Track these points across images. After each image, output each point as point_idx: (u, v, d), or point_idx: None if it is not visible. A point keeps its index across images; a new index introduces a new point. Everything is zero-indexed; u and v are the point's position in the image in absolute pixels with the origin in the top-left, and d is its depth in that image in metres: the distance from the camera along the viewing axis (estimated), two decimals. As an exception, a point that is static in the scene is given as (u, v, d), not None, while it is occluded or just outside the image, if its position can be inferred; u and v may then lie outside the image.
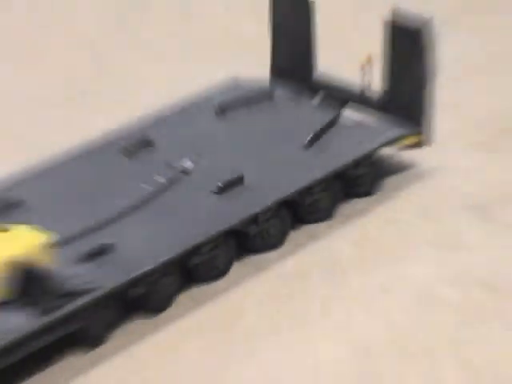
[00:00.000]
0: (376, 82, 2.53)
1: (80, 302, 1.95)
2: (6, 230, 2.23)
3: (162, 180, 2.13)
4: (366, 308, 2.61)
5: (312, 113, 2.35)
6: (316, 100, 2.38)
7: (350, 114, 2.51)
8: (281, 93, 2.36)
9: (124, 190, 2.31)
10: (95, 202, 2.26)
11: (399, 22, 2.27)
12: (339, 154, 2.25)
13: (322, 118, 2.30)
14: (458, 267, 2.69)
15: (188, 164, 2.09)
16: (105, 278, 2.00)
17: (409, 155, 2.64)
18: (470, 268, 2.69)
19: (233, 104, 2.50)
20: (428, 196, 2.66)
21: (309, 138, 2.20)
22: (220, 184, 2.05)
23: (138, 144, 2.32)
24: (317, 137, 2.23)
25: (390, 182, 2.62)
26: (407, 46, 2.38)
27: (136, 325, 2.23)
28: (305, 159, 2.20)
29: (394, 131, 2.29)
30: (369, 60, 2.38)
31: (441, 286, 2.53)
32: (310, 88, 2.49)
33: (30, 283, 2.05)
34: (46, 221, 2.22)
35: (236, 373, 2.61)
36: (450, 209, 2.71)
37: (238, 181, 2.10)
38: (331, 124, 2.33)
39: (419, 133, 2.30)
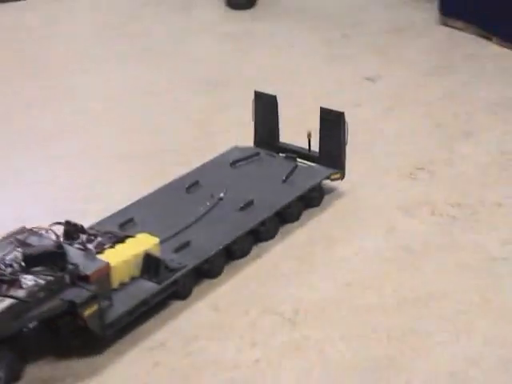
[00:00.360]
0: (315, 145, 3.57)
1: (178, 274, 2.80)
2: (132, 236, 2.90)
3: (209, 204, 3.24)
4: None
5: (282, 163, 3.62)
6: (282, 156, 3.65)
7: (302, 164, 3.51)
8: (263, 153, 3.65)
9: (190, 210, 3.22)
10: (176, 218, 3.18)
11: (326, 109, 3.53)
12: (302, 184, 3.54)
13: (288, 165, 3.54)
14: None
15: (221, 195, 3.37)
16: (188, 261, 2.88)
17: (336, 184, 3.56)
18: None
19: (239, 159, 3.77)
20: (353, 203, 3.29)
21: (284, 177, 3.50)
22: (241, 205, 3.11)
23: (193, 184, 3.36)
24: (288, 176, 3.53)
25: (327, 198, 3.51)
26: (332, 124, 3.72)
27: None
28: (284, 188, 3.51)
29: (329, 170, 3.51)
30: (309, 134, 3.60)
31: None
32: (278, 150, 3.77)
33: (150, 265, 2.77)
34: (149, 230, 3.01)
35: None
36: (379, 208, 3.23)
37: (250, 202, 3.40)
38: (294, 169, 3.63)
39: (340, 172, 3.50)
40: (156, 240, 2.83)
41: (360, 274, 2.72)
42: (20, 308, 2.38)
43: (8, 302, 2.36)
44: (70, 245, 2.69)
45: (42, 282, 2.44)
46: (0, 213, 3.15)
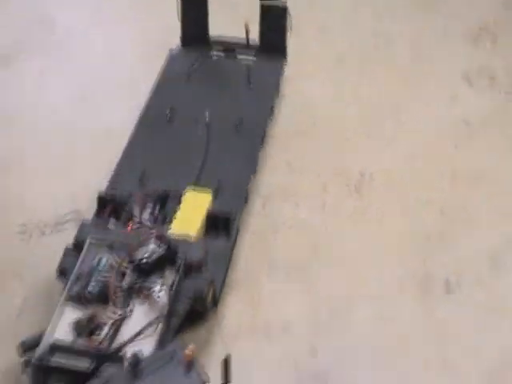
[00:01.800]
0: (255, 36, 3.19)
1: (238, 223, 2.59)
2: (181, 195, 2.67)
3: (202, 130, 2.94)
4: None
5: (231, 64, 3.33)
6: (222, 55, 3.27)
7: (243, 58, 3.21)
8: (204, 55, 3.32)
9: (189, 143, 2.94)
10: (183, 156, 2.87)
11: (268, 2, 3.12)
12: (269, 83, 3.23)
13: (238, 65, 3.30)
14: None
15: (207, 119, 2.98)
16: (235, 202, 2.70)
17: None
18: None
19: (191, 69, 3.27)
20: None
21: (247, 81, 3.19)
22: (236, 124, 2.94)
23: (169, 112, 3.02)
24: (249, 79, 3.19)
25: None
26: (275, 17, 3.14)
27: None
28: (257, 93, 3.12)
29: (279, 61, 3.25)
30: (247, 25, 3.15)
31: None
32: (210, 45, 3.32)
33: (217, 223, 2.57)
34: (168, 177, 2.78)
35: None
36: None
37: (241, 121, 3.00)
38: (248, 67, 3.27)
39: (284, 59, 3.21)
40: (209, 195, 2.65)
41: (421, 148, 2.92)
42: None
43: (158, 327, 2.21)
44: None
45: (169, 288, 2.30)
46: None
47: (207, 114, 2.98)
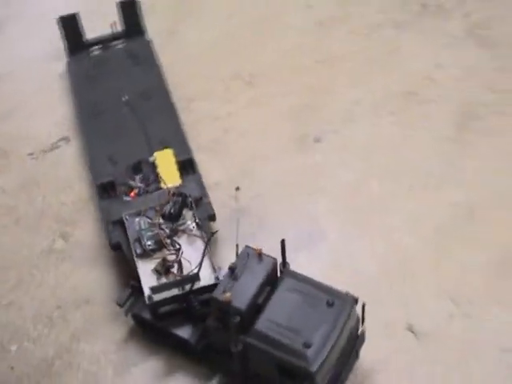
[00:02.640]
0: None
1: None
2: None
3: (129, 110, 3.45)
4: None
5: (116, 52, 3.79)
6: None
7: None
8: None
9: (127, 123, 3.40)
10: (128, 138, 3.31)
11: None
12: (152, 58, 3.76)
13: (123, 53, 3.77)
14: None
15: (126, 97, 3.48)
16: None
17: None
18: None
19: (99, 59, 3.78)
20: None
21: (134, 63, 3.70)
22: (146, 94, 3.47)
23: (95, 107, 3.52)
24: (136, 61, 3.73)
25: None
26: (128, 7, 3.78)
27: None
28: (146, 69, 3.67)
29: (143, 40, 3.83)
30: (114, 23, 3.73)
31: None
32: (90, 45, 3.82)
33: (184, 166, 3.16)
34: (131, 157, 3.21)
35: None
36: None
37: (147, 94, 3.48)
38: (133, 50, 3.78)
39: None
40: (170, 150, 3.21)
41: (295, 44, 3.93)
42: None
43: None
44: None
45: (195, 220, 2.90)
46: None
47: (124, 96, 3.52)
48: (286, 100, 3.68)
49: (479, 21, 4.02)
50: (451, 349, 2.74)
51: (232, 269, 2.56)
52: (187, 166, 3.21)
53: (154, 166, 3.20)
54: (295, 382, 2.45)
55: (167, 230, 2.89)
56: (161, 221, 2.92)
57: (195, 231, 2.89)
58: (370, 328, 2.65)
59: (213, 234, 2.87)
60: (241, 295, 2.51)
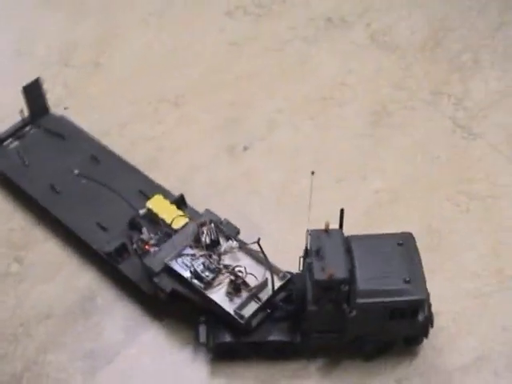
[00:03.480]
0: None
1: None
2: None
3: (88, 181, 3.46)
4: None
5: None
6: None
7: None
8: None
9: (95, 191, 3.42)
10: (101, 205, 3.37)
11: None
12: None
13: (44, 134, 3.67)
14: None
15: (76, 171, 3.49)
16: None
17: None
18: None
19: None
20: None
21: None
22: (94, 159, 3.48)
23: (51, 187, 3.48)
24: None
25: None
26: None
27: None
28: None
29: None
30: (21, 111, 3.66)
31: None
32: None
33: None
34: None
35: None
36: None
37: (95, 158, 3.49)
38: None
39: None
40: (159, 195, 3.31)
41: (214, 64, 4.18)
42: None
43: None
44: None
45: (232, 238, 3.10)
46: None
47: (73, 170, 3.50)
48: (212, 116, 3.93)
49: (379, 28, 4.37)
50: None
51: (317, 250, 2.75)
52: (180, 203, 3.33)
53: (150, 215, 3.27)
54: (405, 321, 2.78)
55: (215, 257, 3.05)
56: (204, 252, 3.07)
57: (237, 246, 3.07)
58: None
59: (258, 241, 2.99)
60: (336, 267, 2.73)
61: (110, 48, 4.41)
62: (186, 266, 3.05)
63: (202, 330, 2.98)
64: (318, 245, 2.79)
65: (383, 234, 2.84)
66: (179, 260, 3.07)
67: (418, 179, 3.41)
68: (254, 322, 2.92)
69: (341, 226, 2.88)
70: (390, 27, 4.39)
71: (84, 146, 3.65)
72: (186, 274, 3.03)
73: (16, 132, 3.76)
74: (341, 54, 4.25)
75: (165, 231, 3.20)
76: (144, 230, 3.22)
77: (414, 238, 2.82)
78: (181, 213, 3.24)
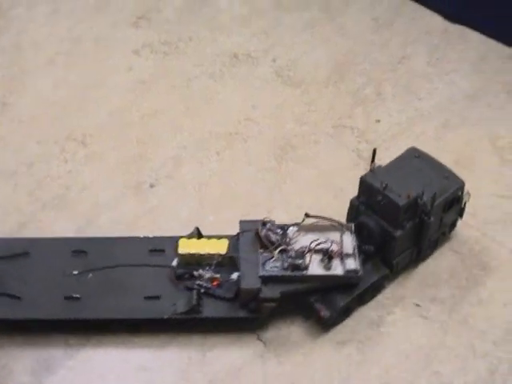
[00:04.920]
0: None
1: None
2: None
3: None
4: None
5: None
6: None
7: None
8: None
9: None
10: None
11: None
12: None
13: None
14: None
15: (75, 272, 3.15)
16: None
17: None
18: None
19: None
20: None
21: None
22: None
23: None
24: None
25: None
26: None
27: None
28: None
29: None
30: None
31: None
32: None
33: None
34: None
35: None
36: None
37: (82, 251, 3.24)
38: None
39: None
40: (183, 239, 3.25)
41: (121, 103, 4.22)
42: None
43: None
44: None
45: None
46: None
47: (72, 272, 3.20)
48: (118, 154, 3.96)
49: (284, 64, 4.46)
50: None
51: (383, 186, 3.10)
52: (199, 234, 3.31)
53: (187, 260, 3.20)
54: (454, 208, 3.29)
55: (289, 247, 3.14)
56: (278, 249, 3.13)
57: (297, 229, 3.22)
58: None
59: (307, 215, 3.22)
60: (406, 189, 3.10)
61: (17, 88, 4.38)
62: (277, 267, 3.07)
63: (320, 306, 3.09)
64: (382, 181, 3.11)
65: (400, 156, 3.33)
66: (267, 268, 3.07)
67: (322, 211, 3.45)
68: (361, 273, 3.08)
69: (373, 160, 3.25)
70: (294, 62, 4.48)
71: (59, 249, 3.29)
72: (286, 272, 3.04)
73: None
74: (246, 89, 4.32)
75: (215, 262, 3.17)
76: (200, 271, 3.13)
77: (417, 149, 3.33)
78: (217, 240, 3.24)
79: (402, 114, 4.15)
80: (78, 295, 3.11)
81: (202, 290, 3.09)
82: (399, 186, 3.06)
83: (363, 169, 3.68)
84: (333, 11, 4.88)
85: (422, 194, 3.07)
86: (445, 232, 3.38)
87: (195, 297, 3.06)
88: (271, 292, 3.01)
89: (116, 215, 3.65)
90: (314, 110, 4.16)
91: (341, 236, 3.14)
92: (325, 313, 3.09)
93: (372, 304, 3.30)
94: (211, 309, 3.06)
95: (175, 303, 3.06)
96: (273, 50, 4.57)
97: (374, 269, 3.17)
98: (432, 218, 3.12)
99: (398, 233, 3.09)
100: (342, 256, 3.08)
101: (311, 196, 3.60)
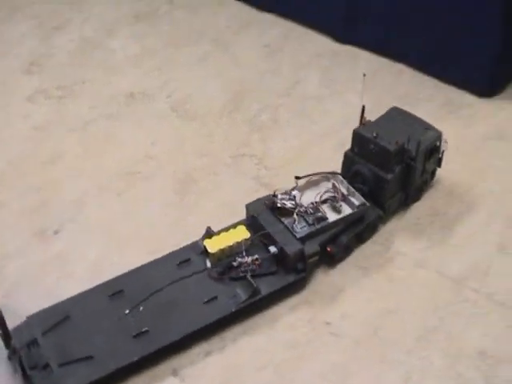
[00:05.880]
0: None
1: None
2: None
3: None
4: None
5: None
6: None
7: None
8: None
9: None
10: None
11: None
12: None
13: None
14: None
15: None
16: None
17: None
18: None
19: None
20: None
21: None
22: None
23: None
24: None
25: None
26: None
27: None
28: None
29: None
30: None
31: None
32: None
33: None
34: None
35: None
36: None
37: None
38: None
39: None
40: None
41: (19, 150, 4.22)
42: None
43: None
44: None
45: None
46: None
47: (125, 311, 3.21)
48: (20, 202, 3.93)
49: (180, 98, 4.51)
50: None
51: (374, 136, 3.50)
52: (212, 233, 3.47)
53: (218, 256, 3.38)
54: (434, 156, 3.65)
55: (298, 202, 3.48)
56: (294, 212, 3.44)
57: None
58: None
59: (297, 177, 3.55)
60: (395, 137, 3.50)
61: None
62: (304, 226, 3.38)
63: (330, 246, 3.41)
64: (373, 132, 3.49)
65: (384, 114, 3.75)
66: (297, 230, 3.36)
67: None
68: (368, 204, 3.48)
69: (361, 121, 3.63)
70: (190, 96, 4.53)
71: (96, 299, 3.30)
72: (315, 227, 3.36)
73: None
74: (144, 127, 4.34)
75: (245, 247, 3.34)
76: (238, 260, 3.30)
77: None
78: (229, 232, 3.44)
79: (299, 137, 4.23)
80: (145, 328, 3.14)
81: (250, 274, 3.24)
82: (388, 136, 3.44)
83: (264, 194, 3.74)
84: (224, 43, 4.95)
85: (408, 141, 3.43)
86: (426, 180, 3.72)
87: (252, 281, 3.20)
88: (311, 248, 3.30)
89: (20, 264, 3.62)
90: (212, 141, 4.20)
91: (333, 184, 3.49)
92: (332, 248, 3.39)
93: (284, 326, 3.34)
94: (265, 286, 3.24)
95: (234, 295, 3.23)
96: (167, 86, 4.61)
97: (368, 214, 3.49)
98: (417, 163, 3.49)
99: (390, 176, 3.46)
100: (345, 198, 3.45)
101: (216, 227, 3.61)
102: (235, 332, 3.30)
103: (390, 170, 3.47)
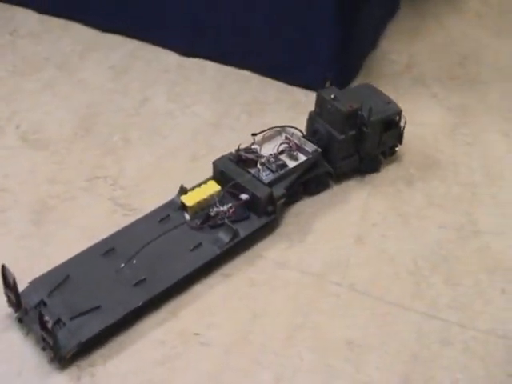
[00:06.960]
0: None
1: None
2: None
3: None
4: None
5: None
6: None
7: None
8: None
9: None
10: None
11: None
12: None
13: None
14: None
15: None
16: None
17: None
18: None
19: None
20: None
21: None
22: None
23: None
24: None
25: None
26: None
27: None
28: None
29: None
30: None
31: None
32: None
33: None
34: None
35: None
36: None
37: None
38: None
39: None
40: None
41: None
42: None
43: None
44: None
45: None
46: None
47: (120, 265, 3.41)
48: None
49: (29, 128, 4.46)
50: None
51: (333, 98, 3.80)
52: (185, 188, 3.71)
53: (197, 208, 3.65)
54: (393, 131, 3.88)
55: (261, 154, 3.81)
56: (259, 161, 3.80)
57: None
58: None
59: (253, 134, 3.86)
60: (350, 102, 3.78)
61: None
62: (268, 173, 3.72)
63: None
64: (330, 94, 3.79)
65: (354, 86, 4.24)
66: (263, 177, 3.70)
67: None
68: (320, 150, 3.84)
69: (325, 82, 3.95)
70: (39, 124, 4.49)
71: (90, 258, 3.53)
72: (279, 173, 3.71)
73: None
74: (-11, 159, 4.27)
75: (218, 199, 3.63)
76: (214, 210, 3.58)
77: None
78: (201, 187, 3.69)
79: (152, 154, 4.25)
80: (143, 277, 3.35)
81: (227, 220, 3.53)
82: (347, 101, 3.72)
83: (121, 215, 3.75)
84: (70, 68, 4.93)
85: (362, 107, 3.69)
86: (385, 152, 3.95)
87: (231, 225, 3.53)
88: (278, 191, 3.62)
89: None
90: (66, 167, 4.18)
91: (285, 136, 3.85)
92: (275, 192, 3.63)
93: (154, 344, 3.35)
94: (242, 230, 3.56)
95: (217, 239, 3.50)
96: (15, 116, 4.56)
97: (319, 165, 3.80)
98: (369, 130, 3.73)
99: (341, 137, 3.73)
100: (298, 147, 3.79)
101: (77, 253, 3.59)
102: (104, 355, 3.28)
103: (343, 132, 3.72)
